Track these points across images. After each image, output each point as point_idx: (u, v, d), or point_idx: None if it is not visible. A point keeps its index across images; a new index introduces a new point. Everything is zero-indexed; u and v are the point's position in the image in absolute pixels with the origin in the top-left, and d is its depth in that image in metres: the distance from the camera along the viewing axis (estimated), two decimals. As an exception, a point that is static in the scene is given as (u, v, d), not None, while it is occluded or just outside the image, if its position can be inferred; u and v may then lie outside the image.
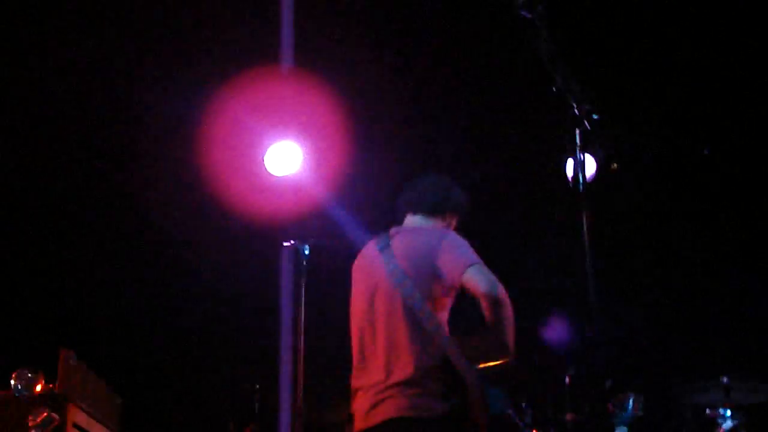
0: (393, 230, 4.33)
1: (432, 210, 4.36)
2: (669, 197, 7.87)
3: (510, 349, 3.91)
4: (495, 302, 3.87)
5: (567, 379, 6.54)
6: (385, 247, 4.20)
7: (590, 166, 3.23)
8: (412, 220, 4.36)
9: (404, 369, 3.93)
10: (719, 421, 6.02)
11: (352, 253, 4.45)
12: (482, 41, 7.17)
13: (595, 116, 3.08)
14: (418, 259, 4.08)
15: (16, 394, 5.57)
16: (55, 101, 7.39)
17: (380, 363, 4.01)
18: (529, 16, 3.12)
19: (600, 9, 6.92)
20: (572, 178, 3.13)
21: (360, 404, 4.05)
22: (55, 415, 5.51)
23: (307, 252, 5.96)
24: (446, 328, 4.03)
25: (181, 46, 7.26)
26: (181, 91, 7.29)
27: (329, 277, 4.97)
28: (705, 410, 6.18)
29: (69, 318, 7.75)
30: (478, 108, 7.73)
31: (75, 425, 5.79)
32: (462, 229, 4.36)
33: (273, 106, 7.15)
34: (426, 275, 4.03)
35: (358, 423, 4.04)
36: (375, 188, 7.48)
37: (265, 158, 6.91)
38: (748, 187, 7.75)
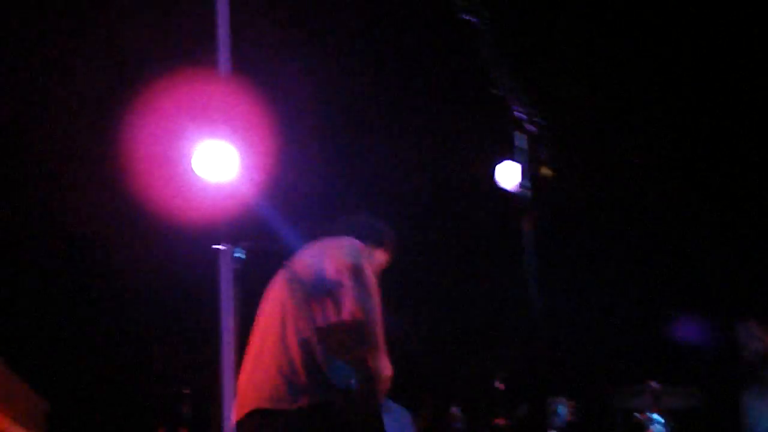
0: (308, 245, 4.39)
1: (346, 233, 4.37)
2: (601, 204, 7.97)
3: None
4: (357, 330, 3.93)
5: (500, 386, 6.58)
6: (287, 266, 4.27)
7: (517, 172, 3.24)
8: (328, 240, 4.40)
9: (268, 361, 4.00)
10: (648, 425, 6.10)
11: (285, 256, 4.41)
12: (422, 43, 7.19)
13: (537, 119, 3.08)
14: (310, 264, 4.12)
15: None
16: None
17: (252, 364, 4.11)
18: (473, 19, 3.12)
19: (543, 12, 6.98)
20: (515, 182, 3.12)
21: (237, 399, 4.15)
22: (-24, 419, 5.40)
23: (240, 255, 5.91)
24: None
25: (111, 37, 7.15)
26: (110, 87, 7.18)
27: (263, 281, 4.93)
28: (634, 414, 6.26)
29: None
30: (415, 110, 7.75)
31: (-1, 430, 5.67)
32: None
33: (205, 107, 7.08)
34: (318, 281, 4.05)
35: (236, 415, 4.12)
36: (307, 190, 7.46)
37: (193, 160, 6.84)
38: (679, 191, 7.87)
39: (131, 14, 7.03)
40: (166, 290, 7.69)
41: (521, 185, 3.22)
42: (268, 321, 4.16)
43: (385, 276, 7.66)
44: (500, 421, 6.55)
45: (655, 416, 6.12)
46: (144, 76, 7.11)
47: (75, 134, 7.39)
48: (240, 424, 4.01)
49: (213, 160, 6.79)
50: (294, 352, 3.95)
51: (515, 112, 3.11)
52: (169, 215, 7.12)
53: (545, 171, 3.23)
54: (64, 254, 7.91)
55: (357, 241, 4.24)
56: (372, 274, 4.07)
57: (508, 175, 6.52)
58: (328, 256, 4.08)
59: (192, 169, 6.81)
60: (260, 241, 6.01)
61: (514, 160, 3.19)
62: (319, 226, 4.50)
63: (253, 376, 4.07)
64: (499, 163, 6.89)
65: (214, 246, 6.34)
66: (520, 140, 3.14)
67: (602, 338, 7.84)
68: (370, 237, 4.41)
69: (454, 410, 6.47)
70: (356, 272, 3.99)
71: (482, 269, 8.23)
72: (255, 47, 7.13)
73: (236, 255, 5.99)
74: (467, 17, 3.18)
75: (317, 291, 4.03)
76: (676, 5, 7.09)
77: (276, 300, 4.18)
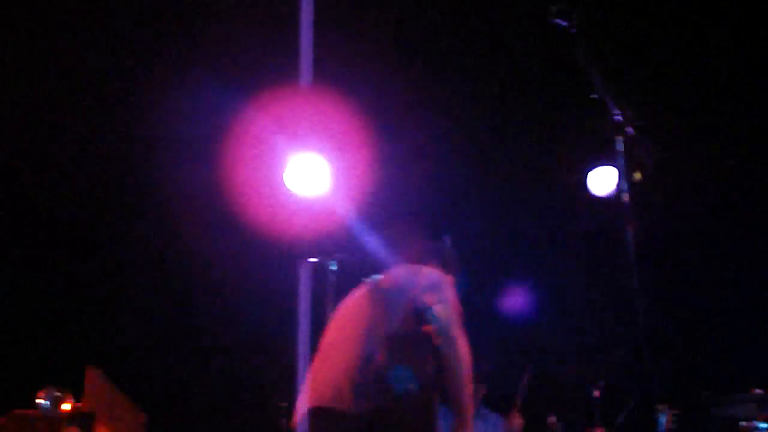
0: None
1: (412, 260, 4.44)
2: (702, 209, 7.81)
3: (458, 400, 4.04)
4: (446, 339, 3.98)
5: (596, 393, 6.49)
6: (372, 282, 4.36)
7: (613, 177, 3.19)
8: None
9: (336, 363, 4.07)
10: (754, 433, 5.95)
11: (378, 268, 4.49)
12: (515, 49, 7.14)
13: (636, 123, 3.04)
14: (397, 281, 4.22)
15: (44, 413, 5.56)
16: (79, 121, 7.39)
17: (322, 381, 4.13)
18: (564, 23, 3.09)
19: (637, 15, 6.88)
20: (615, 187, 3.08)
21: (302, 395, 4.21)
22: (83, 433, 5.51)
23: (334, 267, 5.93)
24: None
25: (201, 61, 7.25)
26: (202, 108, 7.27)
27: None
28: (738, 423, 6.11)
29: (94, 335, 7.74)
30: (510, 119, 7.70)
31: (102, 443, 5.78)
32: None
33: (295, 123, 7.13)
34: (396, 300, 4.13)
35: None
36: (400, 203, 7.46)
37: (286, 176, 6.90)
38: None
39: (217, 34, 7.12)
40: (263, 304, 7.76)
41: (620, 189, 3.17)
42: (342, 325, 4.25)
43: (478, 283, 7.66)
44: (599, 430, 6.46)
45: (761, 425, 5.96)
46: (234, 94, 7.18)
47: (181, 156, 7.52)
48: (303, 420, 4.04)
49: (305, 174, 6.85)
50: (361, 355, 4.00)
51: (614, 116, 3.07)
52: (264, 230, 7.19)
53: (637, 175, 3.19)
54: (163, 269, 8.04)
55: (443, 273, 4.30)
56: (456, 305, 4.11)
57: (602, 181, 6.46)
58: (419, 279, 4.17)
59: (285, 184, 6.88)
60: (354, 254, 6.03)
61: (612, 164, 3.15)
62: (405, 244, 4.53)
63: (318, 375, 4.13)
64: (592, 169, 6.83)
65: (305, 259, 6.37)
66: (619, 144, 3.09)
67: (705, 345, 7.69)
68: (451, 265, 4.48)
69: (552, 419, 6.40)
70: (444, 303, 4.05)
71: (583, 275, 8.14)
72: (341, 60, 7.16)
73: (330, 268, 6.01)
74: (559, 22, 3.15)
75: (398, 301, 4.09)
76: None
77: (353, 307, 4.28)
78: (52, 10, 6.78)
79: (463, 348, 4.02)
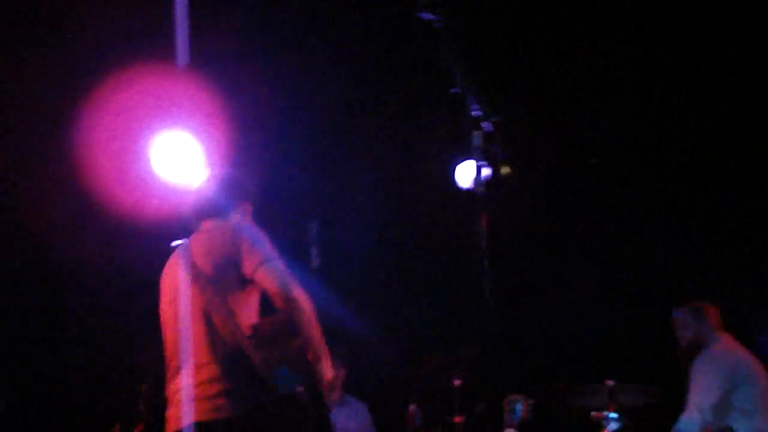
0: (192, 236, 4.39)
1: (225, 211, 4.41)
2: (559, 204, 8.01)
3: (308, 339, 3.99)
4: (288, 301, 3.95)
5: (456, 383, 6.60)
6: (183, 251, 4.28)
7: (473, 170, 3.25)
8: (207, 224, 4.41)
9: (201, 370, 3.98)
10: (605, 423, 6.13)
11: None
12: (379, 40, 7.19)
13: (494, 118, 3.09)
14: (216, 257, 4.12)
15: None
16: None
17: (184, 367, 4.06)
18: (431, 17, 3.13)
19: (500, 12, 7.00)
20: (472, 181, 3.13)
21: (172, 410, 4.09)
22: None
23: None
24: (253, 318, 4.10)
25: (66, 30, 7.05)
26: (66, 83, 7.10)
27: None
28: (591, 413, 6.29)
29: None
30: (372, 108, 7.75)
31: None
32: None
33: (163, 101, 7.03)
34: (224, 272, 4.07)
35: (170, 427, 4.08)
36: (267, 189, 7.42)
37: (152, 157, 6.80)
38: (631, 193, 7.94)
39: (87, 7, 6.95)
40: (123, 286, 7.63)
41: (476, 183, 3.23)
42: (188, 320, 4.11)
43: (347, 274, 7.70)
44: (458, 419, 6.57)
45: (612, 414, 6.15)
46: (101, 71, 7.03)
47: (30, 133, 7.30)
48: None
49: (172, 155, 6.76)
50: (226, 356, 3.96)
51: (472, 111, 3.12)
52: (127, 213, 7.07)
53: (504, 169, 3.24)
54: (17, 253, 7.82)
55: (242, 223, 4.31)
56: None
57: (467, 174, 6.55)
58: (225, 245, 4.11)
59: (150, 165, 6.78)
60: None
61: (471, 158, 3.21)
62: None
63: (187, 381, 4.02)
64: (459, 162, 6.92)
65: (172, 243, 6.28)
66: (477, 138, 3.15)
67: (559, 337, 7.89)
68: (237, 200, 4.46)
69: (412, 408, 6.48)
70: (264, 256, 4.02)
71: (442, 268, 8.26)
72: (214, 42, 7.08)
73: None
74: (426, 15, 3.18)
75: (229, 285, 4.05)
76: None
77: (182, 296, 4.15)
78: None
79: (303, 297, 3.98)
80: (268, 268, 3.98)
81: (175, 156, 6.76)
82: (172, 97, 6.90)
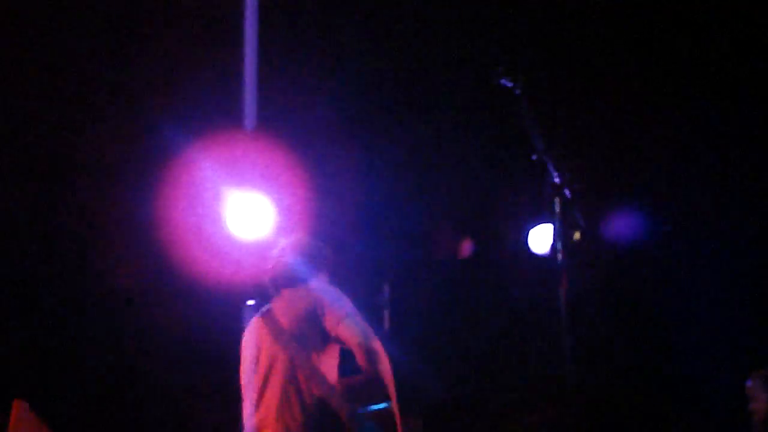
0: (273, 302, 4.44)
1: (304, 280, 4.44)
2: (638, 270, 7.94)
3: (389, 394, 4.04)
4: (368, 352, 4.01)
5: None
6: (266, 313, 4.36)
7: (550, 236, 3.26)
8: (287, 292, 4.44)
9: (291, 426, 4.05)
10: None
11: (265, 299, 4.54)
12: (460, 106, 7.23)
13: (573, 185, 3.11)
14: (300, 318, 4.20)
15: (-35, 449, 5.46)
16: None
17: (275, 423, 4.12)
18: (509, 84, 3.17)
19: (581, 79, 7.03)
20: (549, 246, 3.15)
21: None
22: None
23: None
24: (334, 376, 4.16)
25: (144, 106, 7.21)
26: (144, 151, 7.24)
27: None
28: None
29: (21, 369, 7.61)
30: (449, 171, 7.78)
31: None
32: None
33: (237, 164, 7.12)
34: (307, 330, 4.15)
35: None
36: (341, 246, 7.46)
37: (226, 217, 6.87)
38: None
39: (156, 74, 7.10)
40: (200, 346, 7.70)
41: (555, 249, 3.24)
42: (272, 379, 4.18)
43: (419, 337, 7.66)
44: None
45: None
46: (172, 137, 7.16)
47: (107, 197, 7.45)
48: None
49: (246, 217, 6.82)
50: (314, 411, 4.02)
51: (553, 178, 3.15)
52: (204, 273, 7.15)
53: (576, 235, 3.26)
54: (101, 312, 7.94)
55: (323, 283, 4.37)
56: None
57: (541, 239, 6.55)
58: (308, 307, 4.19)
59: (226, 227, 6.85)
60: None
61: (549, 223, 3.23)
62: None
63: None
64: (532, 227, 6.92)
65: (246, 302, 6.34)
66: (557, 205, 3.17)
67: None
68: (321, 265, 4.50)
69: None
70: (346, 312, 4.12)
71: (516, 331, 8.20)
72: (282, 101, 7.17)
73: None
74: (505, 83, 3.23)
75: (316, 343, 4.12)
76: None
77: (270, 356, 4.21)
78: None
79: (383, 351, 4.07)
80: (351, 323, 4.08)
81: (249, 217, 6.83)
82: (244, 159, 6.99)
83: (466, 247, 4.81)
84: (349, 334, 4.06)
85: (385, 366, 4.04)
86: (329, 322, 4.12)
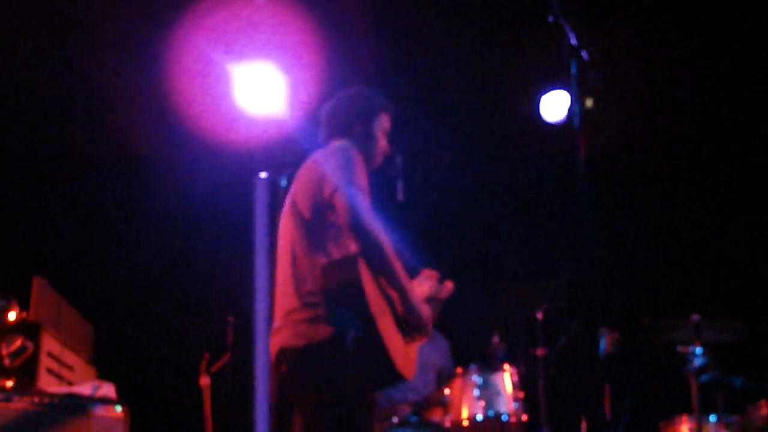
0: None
1: (337, 132, 4.34)
2: (651, 136, 7.88)
3: (393, 282, 3.91)
4: (357, 232, 3.83)
5: (539, 315, 6.61)
6: (291, 180, 4.27)
7: (565, 102, 3.22)
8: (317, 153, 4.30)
9: (287, 297, 4.01)
10: (690, 358, 6.08)
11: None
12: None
13: (590, 48, 3.05)
14: (307, 182, 4.10)
15: (-11, 322, 5.55)
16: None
17: (276, 295, 4.11)
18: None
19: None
20: (566, 111, 3.11)
21: (271, 337, 4.12)
22: (28, 343, 5.50)
23: (284, 183, 5.92)
24: (348, 247, 4.01)
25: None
26: (149, 19, 7.14)
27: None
28: (676, 347, 6.24)
29: (41, 245, 7.69)
30: (460, 34, 7.67)
31: (48, 353, 5.78)
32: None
33: (245, 32, 7.02)
34: (313, 200, 4.03)
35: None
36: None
37: (235, 89, 6.80)
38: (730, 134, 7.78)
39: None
40: (215, 218, 7.75)
41: (571, 114, 3.19)
42: (283, 249, 4.13)
43: (434, 206, 7.67)
44: (540, 351, 6.59)
45: (698, 349, 6.10)
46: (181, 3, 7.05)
47: (115, 63, 7.39)
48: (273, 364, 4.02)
49: (256, 88, 6.75)
50: (308, 287, 3.95)
51: (570, 39, 3.08)
52: (212, 143, 7.14)
53: (589, 101, 3.21)
54: (113, 182, 7.98)
55: (342, 145, 4.18)
56: (364, 178, 4.00)
57: (554, 105, 6.47)
58: (315, 174, 4.06)
59: (234, 97, 6.80)
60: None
61: (565, 88, 3.18)
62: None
63: (277, 310, 4.08)
64: (544, 93, 6.83)
65: (255, 174, 6.34)
66: (573, 68, 3.11)
67: (646, 271, 7.83)
68: (360, 117, 4.35)
69: (495, 339, 6.50)
70: (342, 181, 3.92)
71: (528, 199, 8.21)
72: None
73: (281, 183, 5.99)
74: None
75: (317, 220, 4.02)
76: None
77: (285, 229, 4.16)
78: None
79: (376, 230, 3.86)
80: (342, 195, 3.87)
81: (260, 89, 6.75)
82: (255, 27, 6.88)
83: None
84: (339, 208, 3.89)
85: (377, 247, 3.82)
86: (326, 190, 3.96)
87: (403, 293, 3.96)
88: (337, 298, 3.83)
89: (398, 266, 3.93)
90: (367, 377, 3.83)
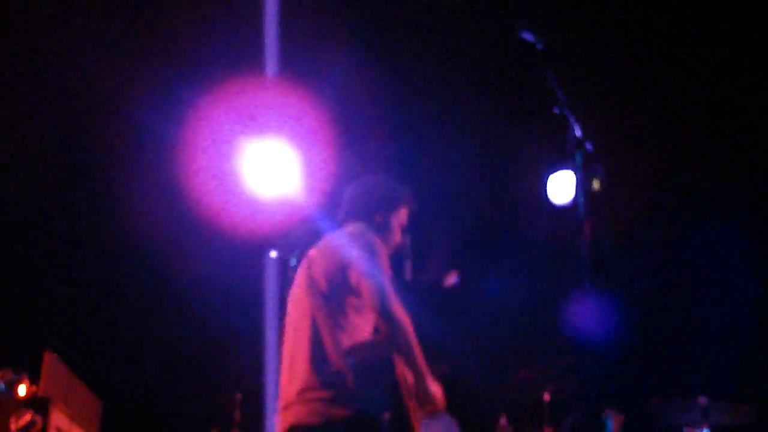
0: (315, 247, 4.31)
1: (357, 216, 4.35)
2: (652, 218, 7.95)
3: (414, 366, 3.94)
4: (384, 315, 3.88)
5: (546, 397, 6.61)
6: (305, 258, 4.24)
7: (572, 186, 3.29)
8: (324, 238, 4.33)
9: (304, 376, 3.97)
10: (698, 440, 6.07)
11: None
12: (482, 57, 7.20)
13: (592, 139, 3.14)
14: (330, 267, 4.08)
15: (-1, 396, 5.58)
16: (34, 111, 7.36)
17: (290, 372, 4.07)
18: (532, 39, 3.18)
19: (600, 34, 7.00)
20: (572, 195, 3.18)
21: (277, 412, 4.10)
22: (38, 418, 5.52)
23: (294, 263, 5.99)
24: (365, 332, 4.05)
25: (163, 53, 7.21)
26: (163, 99, 7.25)
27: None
28: (683, 429, 6.24)
29: (52, 320, 7.74)
30: (468, 120, 7.78)
31: (57, 429, 5.79)
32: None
33: (257, 115, 7.12)
34: (336, 283, 4.03)
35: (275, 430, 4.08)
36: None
37: (246, 168, 6.87)
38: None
39: (177, 21, 7.07)
40: (225, 296, 7.78)
41: (577, 198, 3.27)
42: (299, 327, 4.11)
43: (435, 283, 7.69)
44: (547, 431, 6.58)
45: (705, 431, 6.09)
46: (193, 85, 7.16)
47: (139, 147, 7.50)
48: None
49: (267, 167, 6.81)
50: (326, 372, 3.94)
51: (574, 131, 3.17)
52: (223, 225, 7.20)
53: (596, 185, 3.28)
54: (125, 261, 8.04)
55: (361, 229, 4.19)
56: (387, 264, 4.02)
57: (561, 189, 6.54)
58: (338, 257, 4.06)
59: (245, 177, 6.86)
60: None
61: (570, 174, 3.25)
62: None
63: (288, 387, 4.05)
64: (551, 174, 6.90)
65: (266, 254, 6.41)
66: (579, 157, 3.19)
67: (652, 353, 7.82)
68: (381, 207, 4.37)
69: (503, 420, 6.50)
70: (367, 267, 3.95)
71: (534, 280, 8.24)
72: (307, 50, 7.14)
73: (291, 263, 6.05)
74: (527, 36, 3.24)
75: (338, 302, 4.02)
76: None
77: (303, 307, 4.13)
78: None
79: (401, 314, 3.90)
80: (371, 283, 3.93)
81: (272, 169, 6.80)
82: (265, 106, 6.97)
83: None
84: (367, 292, 3.93)
85: (403, 332, 3.88)
86: (353, 277, 3.99)
87: (420, 376, 4.00)
88: (368, 378, 3.88)
89: (419, 350, 3.98)
90: None
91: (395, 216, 4.42)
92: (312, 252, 4.27)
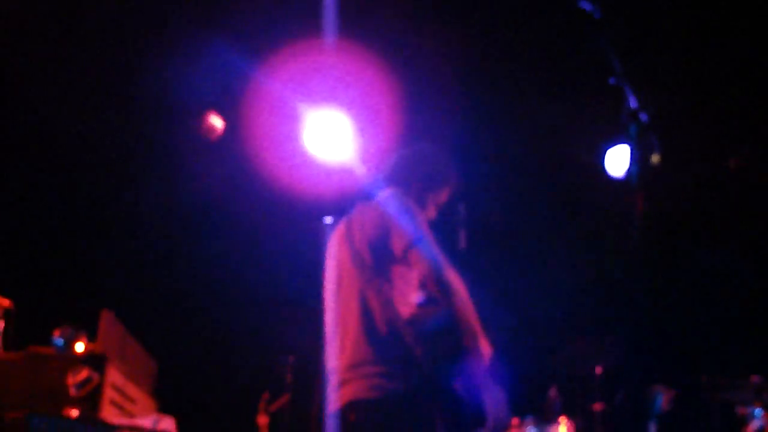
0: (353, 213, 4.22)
1: (395, 182, 4.23)
2: (708, 195, 7.86)
3: (464, 330, 3.86)
4: (440, 283, 3.81)
5: (598, 370, 6.60)
6: (345, 230, 4.15)
7: (627, 158, 3.27)
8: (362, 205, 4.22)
9: (357, 350, 3.92)
10: (748, 419, 6.02)
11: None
12: (539, 27, 7.14)
13: (651, 110, 3.11)
14: (371, 237, 3.99)
15: (58, 352, 5.69)
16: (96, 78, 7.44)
17: (341, 345, 4.01)
18: (590, 8, 3.15)
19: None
20: (625, 169, 3.16)
21: (331, 387, 4.02)
22: (94, 374, 5.63)
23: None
24: (411, 298, 3.98)
25: (216, 19, 7.25)
26: (220, 65, 7.29)
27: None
28: (734, 408, 6.19)
29: (110, 280, 7.86)
30: (524, 92, 7.72)
31: (112, 385, 5.90)
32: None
33: (315, 79, 7.11)
34: (379, 253, 3.95)
35: (330, 405, 4.01)
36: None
37: (305, 135, 6.90)
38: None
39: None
40: (276, 260, 7.84)
41: (631, 170, 3.24)
42: (348, 298, 4.04)
43: (494, 257, 7.69)
44: (598, 407, 6.57)
45: (757, 411, 6.03)
46: (253, 53, 7.18)
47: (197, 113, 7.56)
48: (338, 415, 3.93)
49: (326, 134, 6.83)
50: (382, 343, 3.89)
51: (630, 102, 3.14)
52: (282, 190, 7.24)
53: (655, 158, 3.25)
54: (184, 223, 8.13)
55: (397, 194, 4.07)
56: (427, 228, 3.94)
57: (617, 161, 6.50)
58: (376, 225, 3.98)
59: (303, 143, 6.89)
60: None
61: (625, 146, 3.23)
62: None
63: (340, 360, 3.99)
64: (608, 149, 6.86)
65: (322, 219, 6.43)
66: (633, 129, 3.17)
67: (706, 329, 7.76)
68: (422, 182, 4.27)
69: (553, 392, 6.50)
70: (413, 236, 3.86)
71: (589, 253, 8.20)
72: (365, 16, 7.12)
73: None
74: (586, 5, 3.21)
75: (386, 266, 3.95)
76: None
77: (350, 279, 4.05)
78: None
79: (455, 279, 3.85)
80: (418, 250, 3.85)
81: (329, 136, 6.82)
82: (324, 72, 6.97)
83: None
84: (418, 261, 3.84)
85: (460, 299, 3.82)
86: (396, 247, 3.91)
87: (475, 339, 3.91)
88: (436, 345, 3.86)
89: (474, 315, 3.91)
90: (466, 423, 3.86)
91: (434, 195, 4.32)
92: (348, 220, 4.19)
